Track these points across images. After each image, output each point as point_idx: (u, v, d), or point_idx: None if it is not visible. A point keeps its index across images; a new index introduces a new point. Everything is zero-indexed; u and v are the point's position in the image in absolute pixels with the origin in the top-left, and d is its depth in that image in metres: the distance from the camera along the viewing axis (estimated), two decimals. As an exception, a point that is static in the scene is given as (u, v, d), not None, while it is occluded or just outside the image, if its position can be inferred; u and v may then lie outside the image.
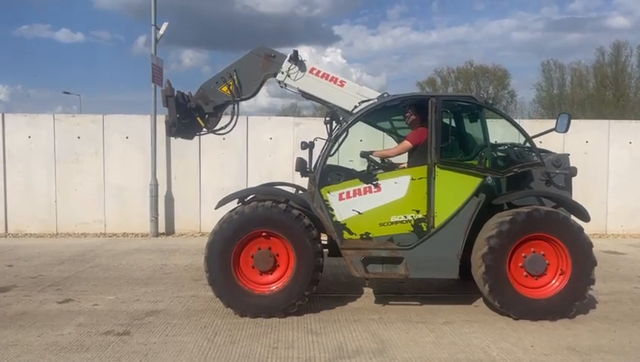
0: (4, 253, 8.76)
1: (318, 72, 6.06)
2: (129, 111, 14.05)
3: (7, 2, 71.11)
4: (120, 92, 79.51)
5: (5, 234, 10.62)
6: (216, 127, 6.26)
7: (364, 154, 5.81)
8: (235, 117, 6.19)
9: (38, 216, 10.69)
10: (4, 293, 6.24)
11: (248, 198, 5.81)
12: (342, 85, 6.02)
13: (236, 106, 6.16)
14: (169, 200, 10.86)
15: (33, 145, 10.63)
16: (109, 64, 75.19)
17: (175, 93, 5.89)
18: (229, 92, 6.04)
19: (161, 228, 10.76)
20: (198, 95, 6.08)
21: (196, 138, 6.64)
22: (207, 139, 10.43)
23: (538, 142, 5.69)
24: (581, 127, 10.92)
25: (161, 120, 10.52)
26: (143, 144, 10.59)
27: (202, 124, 6.14)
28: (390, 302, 5.89)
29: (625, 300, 6.11)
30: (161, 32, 10.79)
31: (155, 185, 10.52)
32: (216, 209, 5.68)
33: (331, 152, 5.48)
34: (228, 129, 6.25)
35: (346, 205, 5.37)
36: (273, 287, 5.33)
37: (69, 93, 42.67)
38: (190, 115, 6.04)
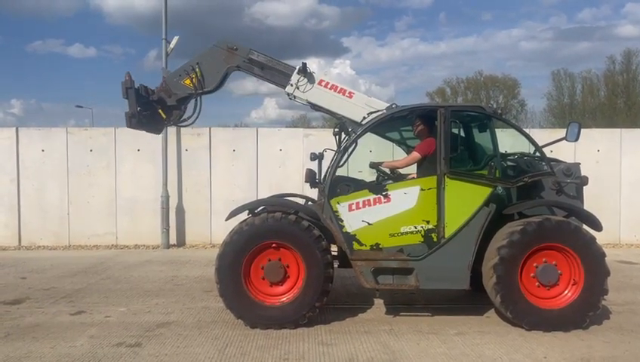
0: (18, 265, 8.85)
1: (327, 83, 6.09)
2: (140, 124, 14.12)
3: (22, 19, 72.54)
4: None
5: (19, 246, 10.74)
6: (180, 121, 6.33)
7: (374, 165, 5.83)
8: (198, 110, 6.27)
9: (51, 229, 10.80)
10: (18, 305, 6.30)
11: (258, 210, 5.84)
12: (350, 96, 6.05)
13: (199, 99, 6.25)
14: (180, 212, 10.93)
15: (46, 158, 10.78)
16: (121, 78, 75.73)
17: (137, 85, 5.95)
18: (191, 85, 6.12)
19: (172, 240, 10.82)
20: (161, 87, 6.17)
21: (206, 151, 6.71)
22: (218, 152, 10.60)
23: (548, 152, 5.67)
24: (592, 136, 10.88)
25: (172, 133, 10.66)
26: (154, 156, 10.69)
27: (163, 116, 6.20)
28: (401, 313, 5.86)
29: (639, 311, 6.03)
30: (171, 45, 10.90)
31: (166, 197, 10.60)
32: (226, 220, 5.71)
33: (340, 163, 5.50)
34: (190, 121, 6.38)
35: (356, 216, 5.37)
36: (283, 299, 5.34)
37: (81, 106, 43.40)
38: (152, 108, 6.11)
